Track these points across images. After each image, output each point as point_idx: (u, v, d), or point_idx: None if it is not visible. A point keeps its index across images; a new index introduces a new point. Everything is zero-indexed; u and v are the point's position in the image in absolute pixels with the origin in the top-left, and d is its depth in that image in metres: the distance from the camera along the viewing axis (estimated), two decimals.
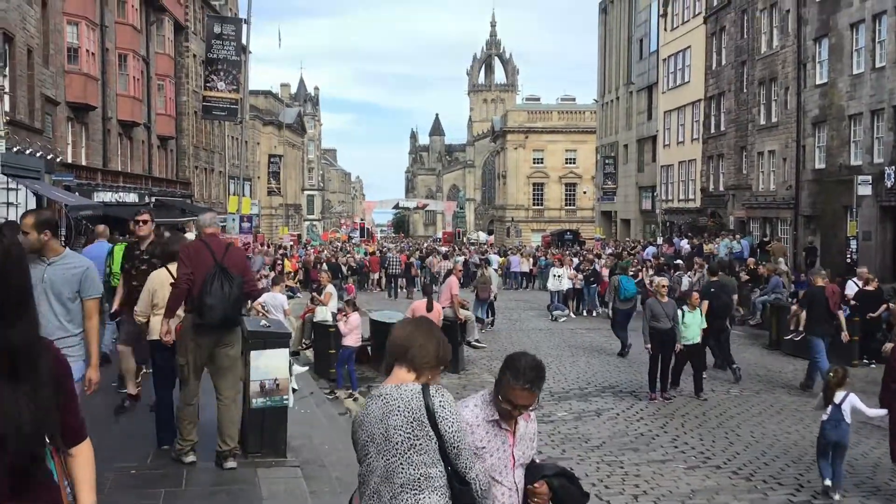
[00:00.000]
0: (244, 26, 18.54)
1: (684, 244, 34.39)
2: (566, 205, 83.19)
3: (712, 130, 41.57)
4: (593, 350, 17.55)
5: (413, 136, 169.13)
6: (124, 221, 28.54)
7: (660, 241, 38.15)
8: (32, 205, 16.84)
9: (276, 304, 12.50)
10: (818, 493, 7.71)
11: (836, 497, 7.51)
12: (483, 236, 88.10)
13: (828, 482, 7.56)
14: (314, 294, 15.69)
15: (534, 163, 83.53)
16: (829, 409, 7.72)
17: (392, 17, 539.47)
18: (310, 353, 15.08)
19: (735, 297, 15.50)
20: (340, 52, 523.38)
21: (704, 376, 12.42)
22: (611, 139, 59.60)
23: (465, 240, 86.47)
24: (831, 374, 7.98)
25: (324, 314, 14.77)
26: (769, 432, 10.15)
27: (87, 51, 29.46)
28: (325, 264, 23.89)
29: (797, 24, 32.03)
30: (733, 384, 13.18)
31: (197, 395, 6.87)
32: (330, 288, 15.38)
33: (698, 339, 11.75)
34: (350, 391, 12.47)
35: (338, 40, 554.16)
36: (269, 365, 6.80)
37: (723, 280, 14.97)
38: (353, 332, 12.65)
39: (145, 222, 8.53)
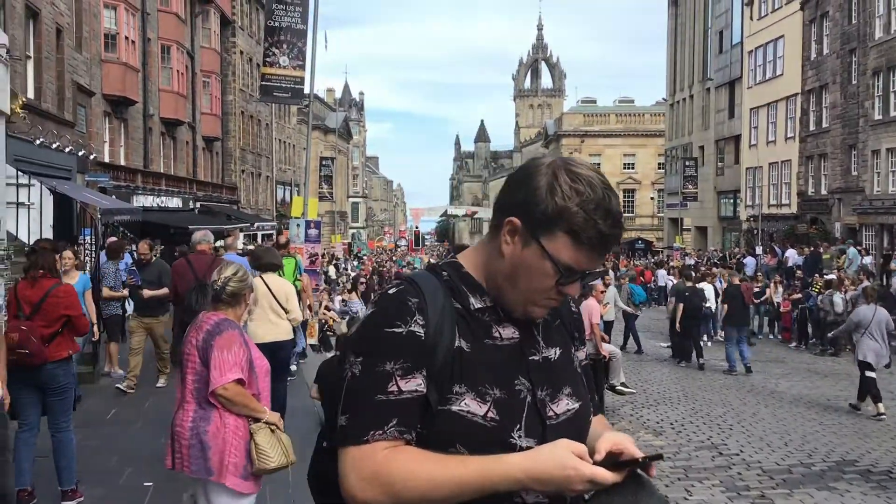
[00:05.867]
0: None
1: (792, 254, 30.21)
2: (625, 211, 78.86)
3: (812, 128, 37.22)
4: (764, 393, 13.60)
5: (457, 143, 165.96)
6: (166, 229, 25.49)
7: (759, 250, 33.83)
8: (50, 206, 13.47)
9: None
10: None
11: None
12: None
13: None
14: None
15: None
16: None
17: (432, 26, 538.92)
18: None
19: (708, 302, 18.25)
20: (378, 61, 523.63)
21: None
22: (683, 140, 55.22)
23: None
24: None
25: None
26: None
27: (127, 38, 26.33)
28: None
29: None
30: None
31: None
32: None
33: None
34: None
35: (376, 49, 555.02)
36: None
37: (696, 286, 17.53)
38: None
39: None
